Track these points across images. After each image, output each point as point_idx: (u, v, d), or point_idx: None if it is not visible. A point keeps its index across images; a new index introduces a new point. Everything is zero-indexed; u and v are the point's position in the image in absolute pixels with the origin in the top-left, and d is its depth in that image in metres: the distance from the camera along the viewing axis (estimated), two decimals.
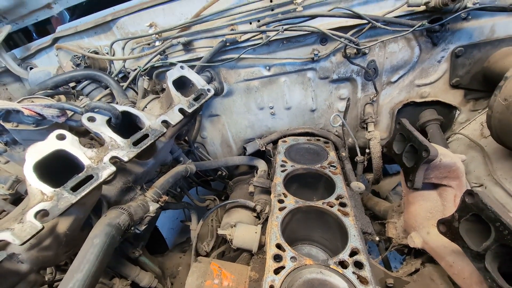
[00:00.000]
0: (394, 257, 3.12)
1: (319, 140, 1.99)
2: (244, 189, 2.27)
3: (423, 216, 1.47)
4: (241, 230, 1.59)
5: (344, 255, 1.03)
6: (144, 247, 1.69)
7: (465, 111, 1.90)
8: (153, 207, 1.32)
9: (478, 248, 0.91)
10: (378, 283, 1.40)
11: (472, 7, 1.39)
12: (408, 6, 1.48)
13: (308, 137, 2.02)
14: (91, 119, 1.01)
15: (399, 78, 1.79)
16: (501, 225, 0.83)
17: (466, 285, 1.11)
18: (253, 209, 1.91)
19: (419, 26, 1.46)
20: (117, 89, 1.47)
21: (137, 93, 1.78)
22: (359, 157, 1.89)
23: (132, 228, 1.11)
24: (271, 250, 1.08)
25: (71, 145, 0.93)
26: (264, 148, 2.03)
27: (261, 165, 2.08)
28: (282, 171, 1.61)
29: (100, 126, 1.02)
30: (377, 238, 1.32)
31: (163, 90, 1.85)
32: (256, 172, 2.07)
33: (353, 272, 0.96)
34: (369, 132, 1.95)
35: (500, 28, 1.57)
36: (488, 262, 0.88)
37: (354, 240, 1.10)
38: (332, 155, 1.77)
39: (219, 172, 2.45)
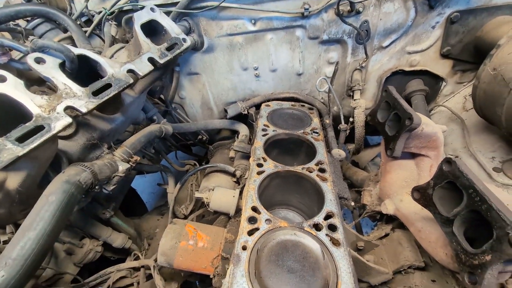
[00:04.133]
0: (366, 223, 3.32)
1: (303, 106, 1.92)
2: (224, 154, 2.21)
3: (399, 185, 1.50)
4: (219, 194, 1.56)
5: (319, 218, 1.03)
6: (116, 208, 1.63)
7: (451, 83, 1.88)
8: (122, 167, 1.23)
9: (449, 214, 0.93)
10: (350, 246, 1.47)
11: None
12: None
13: (293, 103, 1.94)
14: (40, 61, 0.86)
15: (391, 43, 1.70)
16: (474, 191, 0.83)
17: (432, 248, 1.16)
18: (232, 174, 1.87)
19: None
20: (77, 32, 1.26)
21: (104, 41, 1.57)
22: (343, 125, 1.86)
23: (96, 187, 1.03)
24: (246, 213, 1.05)
25: (14, 89, 0.79)
26: (246, 112, 1.93)
27: (243, 129, 2.00)
28: (263, 135, 1.55)
29: (51, 70, 0.87)
30: (353, 204, 1.33)
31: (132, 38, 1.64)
32: (237, 137, 2.00)
33: (326, 234, 0.96)
34: (354, 100, 1.89)
35: None
36: (456, 227, 0.90)
37: (330, 204, 1.10)
38: (316, 121, 1.72)
39: (199, 136, 2.36)
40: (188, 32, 1.61)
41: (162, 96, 1.97)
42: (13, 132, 0.76)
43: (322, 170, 1.30)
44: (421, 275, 1.47)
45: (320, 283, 0.82)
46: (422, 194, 1.06)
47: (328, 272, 0.84)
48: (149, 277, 1.63)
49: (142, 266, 1.54)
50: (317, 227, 1.00)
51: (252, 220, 1.02)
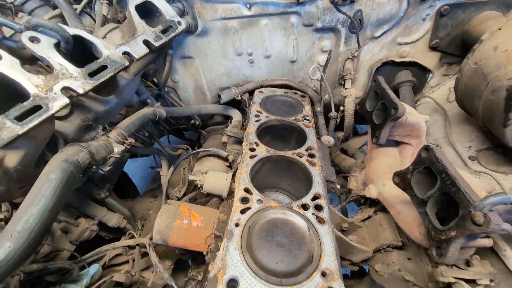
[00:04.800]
0: (352, 208, 3.48)
1: (296, 93, 1.96)
2: (217, 139, 2.24)
3: (382, 170, 1.60)
4: (212, 177, 1.61)
5: (306, 199, 1.10)
6: (111, 189, 1.66)
7: (438, 75, 1.95)
8: (117, 148, 1.26)
9: (423, 196, 1.03)
10: (335, 226, 1.57)
11: None
12: None
13: (286, 90, 1.97)
14: (34, 40, 0.86)
15: (382, 34, 1.74)
16: (446, 176, 0.92)
17: (408, 228, 1.27)
18: (225, 159, 1.92)
19: None
20: (68, 10, 1.23)
21: (95, 21, 1.53)
22: (333, 113, 1.92)
23: (94, 167, 1.06)
24: (239, 193, 1.11)
25: (10, 68, 0.79)
26: (239, 98, 1.95)
27: (236, 115, 2.04)
28: (256, 121, 1.59)
29: (46, 50, 0.87)
30: (339, 187, 1.42)
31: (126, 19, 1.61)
32: (230, 122, 2.03)
33: (313, 213, 1.04)
34: (345, 89, 1.95)
35: None
36: (429, 207, 1.00)
37: (318, 187, 1.17)
38: (307, 109, 1.77)
39: (192, 121, 2.37)
40: (181, 14, 1.59)
41: (155, 80, 1.96)
42: (12, 110, 0.78)
43: (311, 155, 1.37)
44: (399, 253, 1.60)
45: (306, 256, 0.90)
46: (401, 179, 1.15)
47: (313, 246, 0.93)
48: (144, 255, 1.70)
49: (137, 244, 1.60)
50: (304, 207, 1.07)
51: (244, 200, 1.09)
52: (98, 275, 1.46)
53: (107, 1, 1.51)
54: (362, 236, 1.71)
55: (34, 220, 0.77)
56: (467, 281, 1.22)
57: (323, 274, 0.84)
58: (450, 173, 0.89)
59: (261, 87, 1.99)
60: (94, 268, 1.44)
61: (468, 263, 1.28)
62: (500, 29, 1.18)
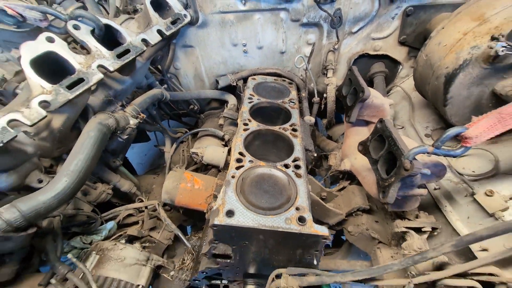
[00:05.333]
0: None
1: (284, 80, 2.23)
2: (214, 122, 2.50)
3: (354, 147, 1.89)
4: (211, 149, 1.89)
5: (288, 161, 1.39)
6: (123, 159, 1.91)
7: (407, 67, 2.25)
8: (133, 121, 1.51)
9: (376, 156, 1.33)
10: (315, 194, 1.87)
11: None
12: None
13: (276, 77, 2.24)
14: (76, 27, 1.10)
15: (359, 30, 2.02)
16: (391, 138, 1.22)
17: (369, 187, 1.58)
18: (221, 138, 2.19)
19: None
20: (90, 2, 1.46)
21: (107, 11, 1.75)
22: (316, 98, 2.20)
23: (118, 132, 1.31)
24: (234, 156, 1.39)
25: (61, 48, 1.04)
26: (235, 83, 2.21)
27: (231, 99, 2.30)
28: (249, 102, 1.86)
29: (85, 35, 1.11)
30: (315, 154, 1.71)
31: (135, 11, 1.83)
32: (226, 106, 2.29)
33: (292, 171, 1.33)
34: (328, 78, 2.23)
35: None
36: (379, 165, 1.30)
37: (298, 152, 1.46)
38: (293, 93, 2.05)
39: (191, 106, 2.62)
40: (185, 7, 1.82)
41: (159, 67, 2.19)
42: (64, 81, 1.02)
43: (294, 130, 1.65)
44: (367, 217, 1.92)
45: (285, 198, 1.19)
46: (363, 146, 1.45)
47: (291, 192, 1.22)
48: (151, 218, 1.97)
49: (146, 207, 1.86)
50: (286, 166, 1.36)
51: (239, 160, 1.37)
52: (114, 231, 1.73)
53: None
54: (338, 203, 2.03)
55: (81, 164, 1.03)
56: (416, 230, 1.55)
57: (297, 208, 1.13)
58: (394, 136, 1.19)
59: (254, 74, 2.25)
60: (111, 224, 1.71)
61: (417, 217, 1.61)
62: (443, 28, 1.47)
